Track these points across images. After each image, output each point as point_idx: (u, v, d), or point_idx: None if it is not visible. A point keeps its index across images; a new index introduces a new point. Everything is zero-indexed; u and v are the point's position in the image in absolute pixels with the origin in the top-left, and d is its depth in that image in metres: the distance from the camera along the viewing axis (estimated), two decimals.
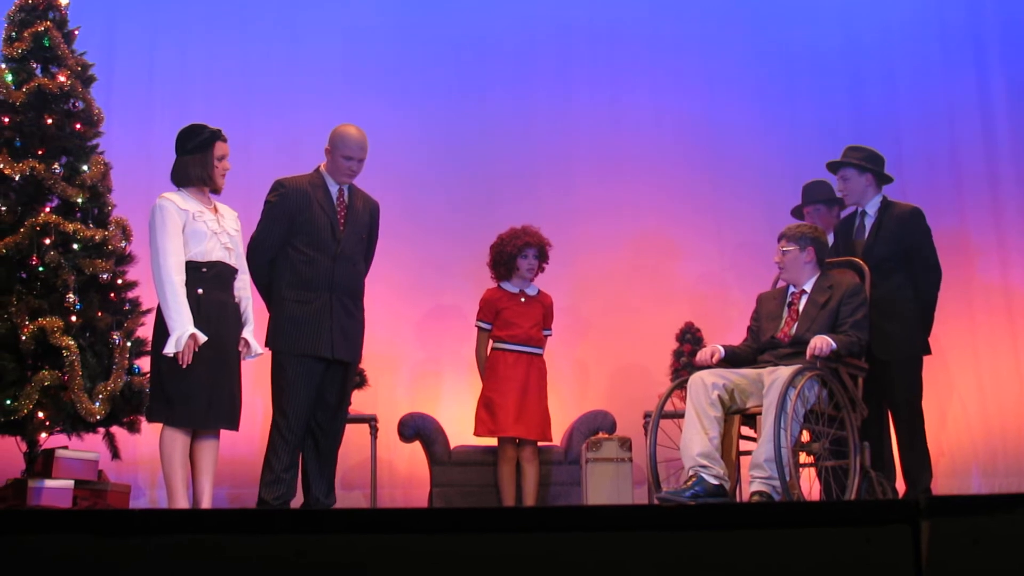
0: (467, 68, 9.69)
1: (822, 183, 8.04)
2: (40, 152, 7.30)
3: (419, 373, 9.27)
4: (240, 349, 6.17)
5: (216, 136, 6.18)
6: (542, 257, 7.86)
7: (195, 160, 6.14)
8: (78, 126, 7.45)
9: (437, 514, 3.03)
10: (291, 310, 6.53)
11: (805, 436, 6.32)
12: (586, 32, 9.81)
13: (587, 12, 9.82)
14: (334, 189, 6.80)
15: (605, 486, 7.49)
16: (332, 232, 6.69)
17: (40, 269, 7.10)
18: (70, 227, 7.15)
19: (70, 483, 6.91)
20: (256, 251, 6.59)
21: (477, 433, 7.73)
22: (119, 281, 7.42)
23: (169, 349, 5.77)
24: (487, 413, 7.65)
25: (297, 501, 6.82)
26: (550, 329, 7.93)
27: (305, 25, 9.63)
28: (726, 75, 9.75)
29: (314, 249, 6.65)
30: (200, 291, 5.96)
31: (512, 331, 7.74)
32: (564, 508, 4.08)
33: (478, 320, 7.88)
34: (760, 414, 6.20)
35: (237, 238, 6.26)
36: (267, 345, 6.52)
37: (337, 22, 9.66)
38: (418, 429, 8.06)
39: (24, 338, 6.95)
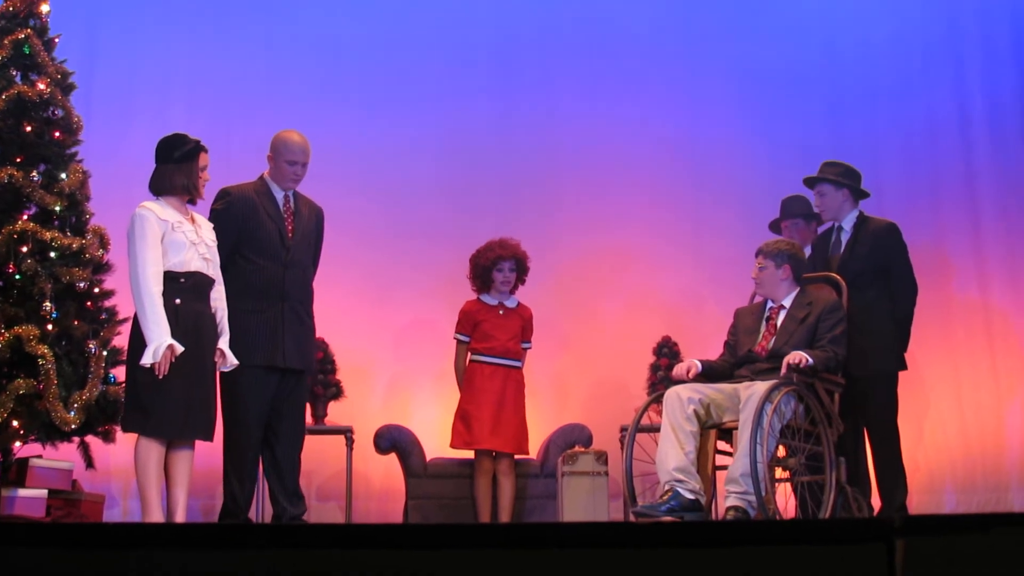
0: (449, 79, 9.68)
1: (800, 198, 8.08)
2: (18, 159, 7.26)
3: (395, 385, 9.25)
4: (216, 360, 6.15)
5: (200, 146, 6.18)
6: (519, 270, 7.84)
7: (182, 169, 6.11)
8: (57, 134, 7.42)
9: (412, 530, 3.03)
10: (243, 321, 6.48)
11: (781, 451, 6.34)
12: (569, 46, 9.80)
13: (570, 26, 9.82)
14: (279, 196, 6.81)
15: (581, 500, 7.49)
16: (281, 239, 6.71)
17: (17, 277, 7.07)
18: (47, 235, 7.11)
19: (44, 492, 6.87)
20: None
21: (453, 445, 7.72)
22: (96, 290, 7.37)
23: (147, 360, 5.74)
24: (463, 425, 7.65)
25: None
26: (529, 342, 7.93)
27: (287, 34, 9.60)
28: (707, 91, 9.76)
29: (264, 258, 6.66)
30: (178, 301, 5.93)
31: (489, 344, 7.74)
32: (540, 525, 4.08)
33: (456, 332, 7.87)
34: (736, 429, 6.22)
35: (214, 248, 6.24)
36: None
37: (319, 31, 9.64)
38: (394, 441, 8.05)
39: None
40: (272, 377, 6.62)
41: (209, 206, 6.67)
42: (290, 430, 6.76)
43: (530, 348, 7.93)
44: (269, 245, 6.68)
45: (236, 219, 6.62)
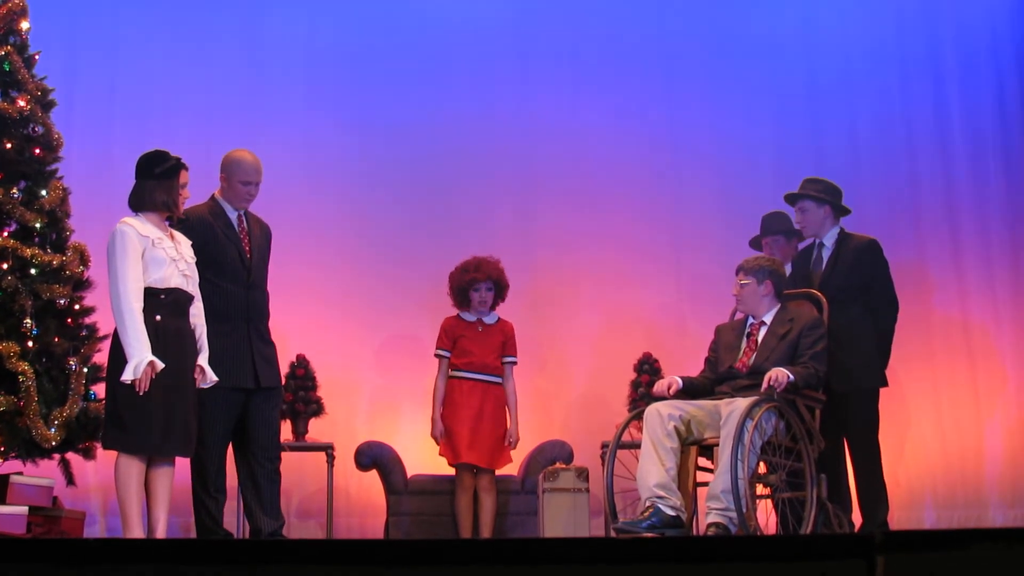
0: (426, 91, 9.65)
1: (780, 214, 8.08)
2: None
3: (377, 401, 9.23)
4: (195, 376, 6.13)
5: (181, 163, 6.17)
6: (497, 289, 7.82)
7: (162, 186, 6.10)
8: (37, 151, 7.38)
9: (393, 546, 3.02)
10: (210, 343, 6.40)
11: (762, 468, 6.33)
12: (548, 56, 9.80)
13: (548, 37, 9.82)
14: (233, 216, 6.78)
15: (562, 516, 7.48)
16: (241, 261, 6.68)
17: None
18: (28, 252, 7.09)
19: (24, 509, 6.84)
20: None
21: (442, 453, 7.68)
22: (76, 307, 7.35)
23: (127, 376, 5.73)
24: (445, 439, 7.64)
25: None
26: (513, 356, 7.87)
27: (266, 50, 9.58)
28: (687, 106, 9.76)
29: (226, 280, 6.61)
30: (158, 318, 5.92)
31: (468, 359, 7.72)
32: (521, 540, 4.07)
33: (437, 348, 7.84)
34: (717, 445, 6.21)
35: (193, 265, 6.22)
36: None
37: (296, 44, 9.62)
38: (375, 458, 8.03)
39: None
40: (238, 396, 6.59)
41: None
42: (264, 444, 6.71)
43: (515, 362, 7.88)
44: (231, 267, 6.64)
45: (196, 242, 6.55)
